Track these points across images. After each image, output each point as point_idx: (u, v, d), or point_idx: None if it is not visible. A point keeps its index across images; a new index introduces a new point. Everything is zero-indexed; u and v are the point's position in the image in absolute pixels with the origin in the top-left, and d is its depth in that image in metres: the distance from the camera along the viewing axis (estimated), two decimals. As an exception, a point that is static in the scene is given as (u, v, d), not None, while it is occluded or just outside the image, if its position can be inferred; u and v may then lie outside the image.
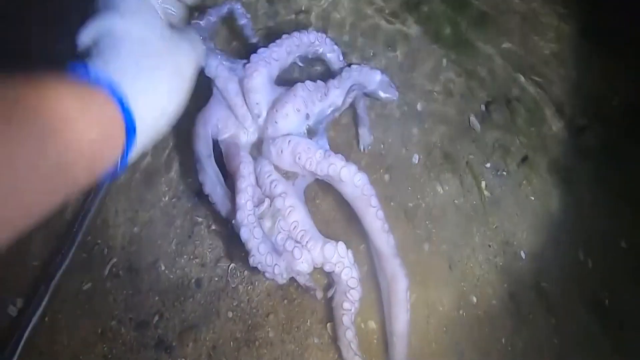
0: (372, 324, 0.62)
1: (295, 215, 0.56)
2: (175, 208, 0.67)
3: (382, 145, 0.74)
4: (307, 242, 0.54)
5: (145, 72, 0.38)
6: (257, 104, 0.59)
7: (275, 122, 0.59)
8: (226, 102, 0.61)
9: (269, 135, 0.60)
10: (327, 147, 0.62)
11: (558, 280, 0.70)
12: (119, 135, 0.35)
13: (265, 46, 0.64)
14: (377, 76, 0.70)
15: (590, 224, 0.75)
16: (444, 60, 0.84)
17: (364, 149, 0.73)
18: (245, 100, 0.60)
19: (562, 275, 0.70)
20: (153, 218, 0.66)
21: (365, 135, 0.73)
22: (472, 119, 0.81)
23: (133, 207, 0.66)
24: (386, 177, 0.72)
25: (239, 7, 0.71)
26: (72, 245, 0.60)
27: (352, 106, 0.73)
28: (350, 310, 0.56)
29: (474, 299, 0.66)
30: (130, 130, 0.35)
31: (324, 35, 0.70)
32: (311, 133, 0.62)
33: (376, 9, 0.86)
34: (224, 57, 0.62)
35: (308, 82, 0.61)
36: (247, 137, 0.61)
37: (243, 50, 0.76)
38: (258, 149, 0.61)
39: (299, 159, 0.56)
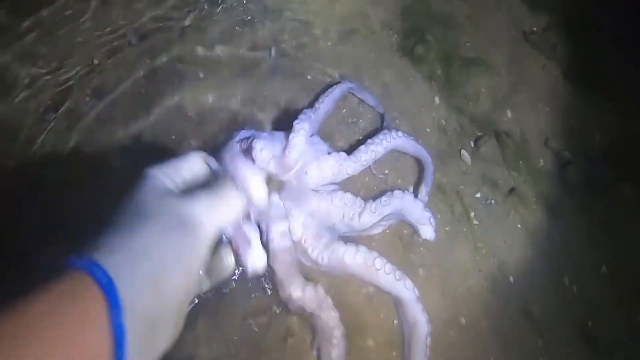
0: (371, 342, 0.66)
1: (286, 256, 0.60)
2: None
3: (380, 177, 0.81)
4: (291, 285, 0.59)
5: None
6: (306, 173, 0.64)
7: (308, 201, 0.64)
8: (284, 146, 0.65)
9: (290, 205, 0.64)
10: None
11: (545, 304, 0.75)
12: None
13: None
14: (419, 209, 0.68)
15: (574, 252, 0.80)
16: (436, 99, 0.92)
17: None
18: (301, 167, 0.65)
19: (549, 300, 0.75)
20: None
21: (423, 194, 0.76)
22: (463, 152, 0.87)
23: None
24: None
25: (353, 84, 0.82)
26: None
27: (421, 164, 0.79)
28: (337, 345, 0.59)
29: (464, 321, 0.70)
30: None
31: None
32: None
33: (374, 50, 0.95)
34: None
35: (348, 195, 0.64)
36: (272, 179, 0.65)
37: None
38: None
39: (304, 241, 0.61)
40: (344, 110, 0.85)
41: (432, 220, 0.70)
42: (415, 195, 0.76)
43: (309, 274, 0.65)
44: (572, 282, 0.78)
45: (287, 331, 0.65)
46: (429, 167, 0.79)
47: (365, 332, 0.67)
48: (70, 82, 0.79)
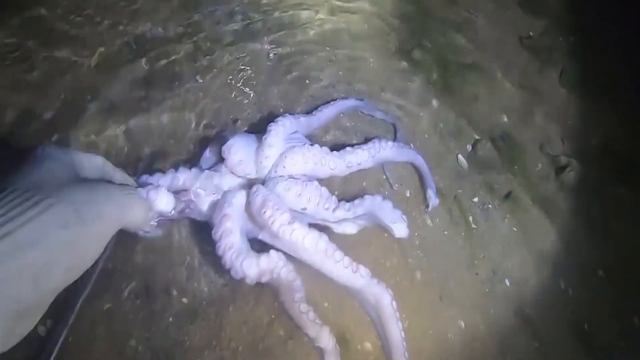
0: (368, 345, 0.67)
1: (232, 238, 0.58)
2: (187, 240, 0.73)
3: (395, 188, 0.80)
4: (242, 262, 0.57)
5: None
6: (285, 157, 0.66)
7: (276, 183, 0.63)
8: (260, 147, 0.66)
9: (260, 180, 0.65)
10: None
11: (541, 307, 0.75)
12: None
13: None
14: (389, 208, 0.68)
15: (570, 255, 0.81)
16: (434, 103, 0.93)
17: (430, 210, 0.78)
18: (279, 160, 0.66)
19: (544, 303, 0.76)
20: (167, 247, 0.72)
21: (432, 197, 0.78)
22: (460, 156, 0.88)
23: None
24: (381, 209, 0.79)
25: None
26: (95, 271, 0.66)
27: (418, 170, 0.80)
28: (302, 298, 0.58)
29: (462, 324, 0.71)
30: None
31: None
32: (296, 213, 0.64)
33: (373, 54, 0.95)
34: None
35: (324, 190, 0.65)
36: (244, 176, 0.67)
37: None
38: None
39: (264, 212, 0.58)
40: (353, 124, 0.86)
41: (403, 217, 0.68)
42: (427, 205, 0.78)
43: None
44: (568, 285, 0.78)
45: (287, 334, 0.65)
46: (427, 173, 0.80)
47: (362, 335, 0.67)
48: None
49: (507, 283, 0.76)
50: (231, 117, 0.82)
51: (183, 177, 0.64)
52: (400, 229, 0.66)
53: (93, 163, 0.48)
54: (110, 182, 0.49)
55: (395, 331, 0.59)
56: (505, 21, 1.11)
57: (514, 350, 0.71)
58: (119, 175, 0.52)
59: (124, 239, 0.70)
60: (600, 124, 1.01)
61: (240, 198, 0.62)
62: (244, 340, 0.65)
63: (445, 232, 0.79)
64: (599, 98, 1.05)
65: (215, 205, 0.63)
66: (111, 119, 0.78)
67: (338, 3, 1.00)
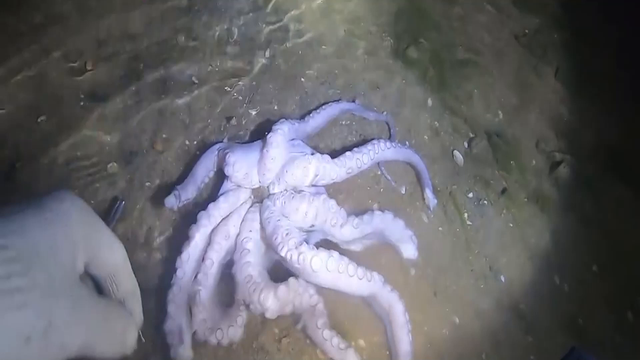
0: (362, 342, 0.67)
1: (251, 270, 0.60)
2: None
3: (394, 184, 0.80)
4: (259, 294, 0.57)
5: None
6: (286, 172, 0.66)
7: (284, 203, 0.64)
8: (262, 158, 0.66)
9: (268, 203, 0.65)
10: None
11: (535, 302, 0.76)
12: None
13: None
14: (400, 227, 0.66)
15: (564, 250, 0.81)
16: (429, 100, 0.93)
17: (431, 210, 0.78)
18: (280, 173, 0.66)
19: (539, 298, 0.76)
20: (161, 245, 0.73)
21: (430, 197, 0.78)
22: (456, 153, 0.88)
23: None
24: (375, 205, 0.79)
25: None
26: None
27: (415, 169, 0.80)
28: (325, 323, 0.59)
29: (457, 320, 0.71)
30: None
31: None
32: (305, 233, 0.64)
33: (368, 53, 0.96)
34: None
35: (333, 203, 0.64)
36: (250, 187, 0.67)
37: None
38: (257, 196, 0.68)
39: (274, 238, 0.59)
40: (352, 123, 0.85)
41: (413, 238, 0.68)
42: (428, 207, 0.79)
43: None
44: (563, 280, 0.79)
45: (281, 331, 0.66)
46: (424, 172, 0.80)
47: (356, 332, 0.67)
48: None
49: (502, 279, 0.77)
50: (225, 115, 0.82)
51: (199, 245, 0.63)
52: (409, 250, 0.65)
53: (112, 254, 0.39)
54: (112, 290, 0.39)
55: (405, 340, 0.61)
56: (500, 18, 1.11)
57: (508, 345, 0.71)
58: (130, 284, 0.41)
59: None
60: (594, 120, 1.01)
61: (256, 230, 0.63)
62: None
63: (440, 229, 0.79)
64: (594, 95, 1.05)
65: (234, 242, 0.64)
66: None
67: (333, 2, 1.00)
